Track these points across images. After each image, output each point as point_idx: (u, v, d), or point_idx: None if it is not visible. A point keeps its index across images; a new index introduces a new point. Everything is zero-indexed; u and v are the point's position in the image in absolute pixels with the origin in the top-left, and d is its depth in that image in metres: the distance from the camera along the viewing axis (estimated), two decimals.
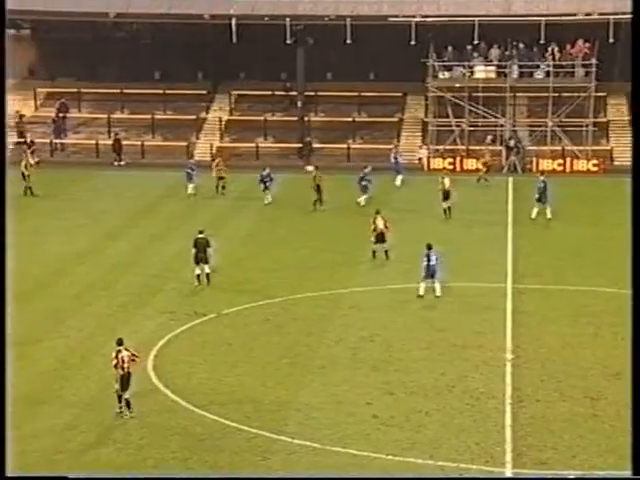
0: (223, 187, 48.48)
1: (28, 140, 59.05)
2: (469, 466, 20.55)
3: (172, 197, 48.25)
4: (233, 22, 57.44)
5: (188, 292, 32.75)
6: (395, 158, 52.88)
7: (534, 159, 55.41)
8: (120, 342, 23.18)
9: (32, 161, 51.24)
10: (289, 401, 23.93)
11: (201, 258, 33.03)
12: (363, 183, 45.90)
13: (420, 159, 56.76)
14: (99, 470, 20.37)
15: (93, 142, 60.10)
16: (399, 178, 50.90)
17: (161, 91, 61.84)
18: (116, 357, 22.88)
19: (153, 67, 63.06)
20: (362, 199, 45.23)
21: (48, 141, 60.56)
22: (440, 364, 26.37)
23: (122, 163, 58.06)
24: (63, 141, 61.19)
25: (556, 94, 55.96)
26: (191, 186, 48.26)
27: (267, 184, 46.28)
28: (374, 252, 36.30)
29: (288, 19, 56.99)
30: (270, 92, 61.12)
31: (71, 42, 62.79)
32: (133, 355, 23.05)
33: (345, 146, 58.83)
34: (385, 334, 28.80)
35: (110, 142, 59.28)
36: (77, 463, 20.74)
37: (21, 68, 65.00)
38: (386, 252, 36.07)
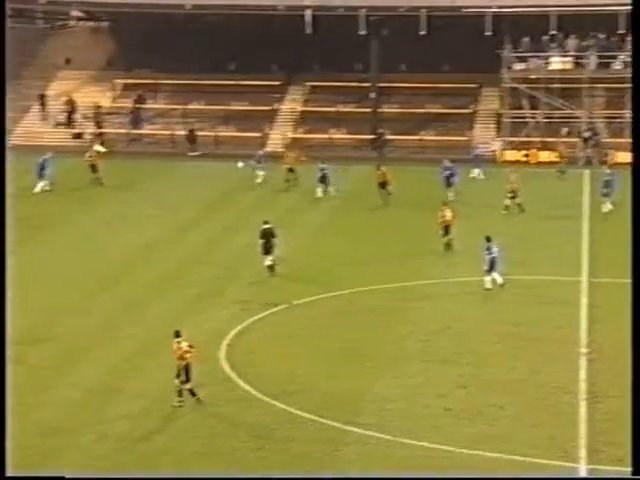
0: (295, 179, 48.57)
1: (97, 131, 59.78)
2: (542, 461, 20.36)
3: (244, 188, 48.51)
4: (307, 13, 57.54)
5: (260, 283, 32.94)
6: (474, 150, 52.63)
7: (611, 151, 54.58)
8: (178, 334, 23.30)
9: (96, 151, 51.48)
10: (361, 392, 23.94)
11: (269, 248, 33.22)
12: (447, 175, 45.30)
13: (494, 151, 56.31)
14: (170, 459, 20.59)
15: (168, 133, 60.75)
16: (476, 171, 50.47)
17: (236, 82, 62.23)
18: (178, 349, 23.01)
19: (228, 58, 63.46)
20: (451, 194, 44.41)
21: (125, 132, 61.35)
22: (513, 357, 26.16)
23: (196, 154, 58.58)
24: (139, 132, 61.93)
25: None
26: (261, 173, 48.55)
27: (324, 178, 46.08)
28: (447, 244, 36.23)
29: (363, 10, 56.89)
30: (344, 83, 61.09)
31: (148, 34, 63.48)
32: (189, 347, 23.13)
33: (418, 138, 58.58)
34: (457, 327, 28.65)
35: (185, 133, 59.85)
36: (147, 450, 20.99)
37: (99, 60, 66.01)
38: (450, 243, 36.03)
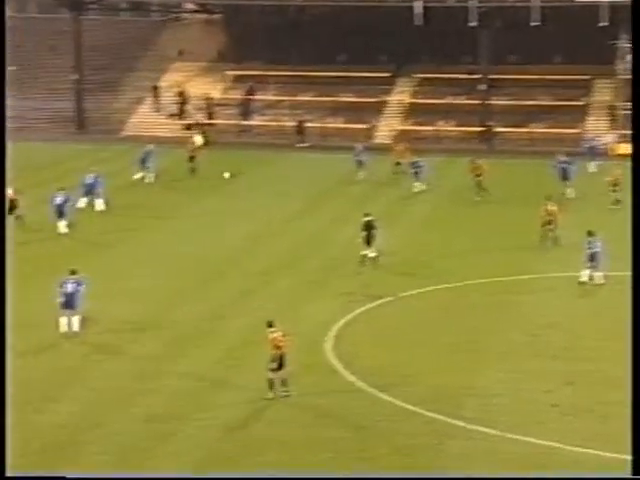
0: (402, 172, 48.39)
1: (199, 122, 60.41)
2: None
3: (350, 180, 48.49)
4: (417, 5, 57.26)
5: (364, 275, 32.98)
6: (585, 143, 51.73)
7: None
8: (270, 324, 23.41)
9: (198, 142, 52.02)
10: (466, 386, 23.79)
11: (370, 240, 33.36)
12: (562, 168, 44.57)
13: (606, 144, 55.23)
14: (274, 448, 20.79)
15: (277, 124, 61.25)
16: (592, 164, 49.56)
17: (345, 74, 62.36)
18: (272, 339, 23.15)
19: (337, 50, 63.63)
20: (570, 189, 43.75)
21: (234, 123, 62.07)
22: (624, 354, 25.62)
23: (305, 145, 58.92)
24: (249, 123, 62.59)
25: None
26: (361, 174, 48.31)
27: (417, 172, 45.79)
28: (553, 239, 35.79)
29: (473, 1, 56.37)
30: (453, 75, 60.67)
31: (259, 26, 64.10)
32: (283, 336, 23.20)
33: (527, 130, 57.82)
34: (565, 322, 28.25)
35: (294, 124, 60.25)
36: (252, 439, 21.18)
37: (211, 52, 66.91)
38: (555, 238, 35.59)
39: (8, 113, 63.42)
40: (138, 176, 47.44)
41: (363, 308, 29.69)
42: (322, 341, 26.74)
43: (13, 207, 37.23)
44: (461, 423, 21.62)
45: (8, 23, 66.10)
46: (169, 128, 61.00)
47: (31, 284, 30.10)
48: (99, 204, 41.83)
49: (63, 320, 26.80)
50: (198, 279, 32.66)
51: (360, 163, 48.87)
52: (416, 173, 45.92)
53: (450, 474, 19.52)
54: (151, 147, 48.62)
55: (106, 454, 20.39)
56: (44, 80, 66.60)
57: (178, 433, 21.38)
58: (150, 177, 47.53)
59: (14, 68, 64.17)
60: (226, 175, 47.08)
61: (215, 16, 70.00)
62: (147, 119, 63.39)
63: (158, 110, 64.19)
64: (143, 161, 47.80)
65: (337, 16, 62.86)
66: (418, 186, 45.61)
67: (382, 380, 24.07)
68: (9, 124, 64.27)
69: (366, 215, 34.16)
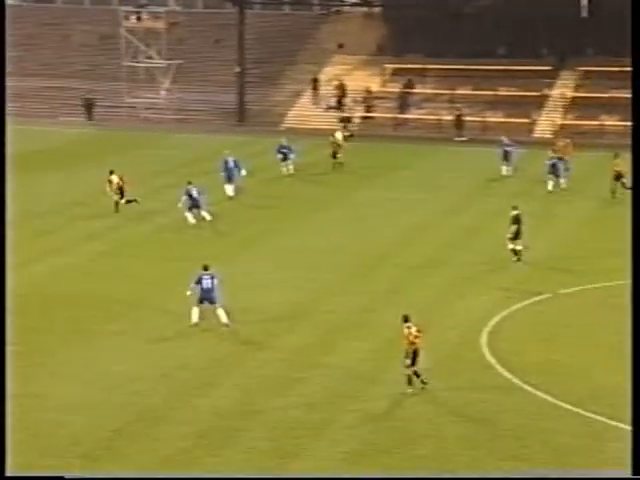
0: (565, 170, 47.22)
1: (343, 117, 60.33)
2: None
3: (508, 175, 47.66)
4: None
5: (522, 270, 32.51)
6: None
7: None
8: (407, 319, 23.26)
9: (340, 136, 51.74)
10: (626, 387, 23.13)
11: (518, 234, 33.04)
12: None
13: None
14: (431, 442, 20.73)
15: (435, 117, 60.94)
16: None
17: (505, 67, 61.51)
18: (408, 334, 22.99)
19: (498, 43, 62.85)
20: None
21: (392, 116, 62.10)
22: None
23: (463, 139, 58.45)
24: (406, 116, 62.50)
25: None
26: (504, 168, 47.36)
27: (555, 170, 44.22)
28: None
29: None
30: (618, 68, 59.03)
31: (419, 19, 63.88)
32: (418, 331, 23.04)
33: None
34: None
35: (452, 118, 59.85)
36: (411, 433, 21.20)
37: (370, 45, 67.09)
38: None
39: (174, 105, 65.59)
40: (287, 170, 47.30)
41: (519, 304, 29.27)
42: (477, 337, 26.51)
43: (122, 194, 39.28)
44: (622, 425, 21.05)
45: (177, 19, 68.23)
46: (326, 121, 61.48)
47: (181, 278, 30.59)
48: (229, 190, 42.06)
49: (196, 311, 27.08)
50: (351, 272, 32.80)
51: (506, 157, 47.83)
52: (552, 167, 44.48)
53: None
54: (284, 141, 48.26)
55: (263, 440, 20.76)
56: (207, 73, 68.16)
57: (333, 423, 21.57)
58: (289, 169, 47.15)
59: (179, 62, 66.06)
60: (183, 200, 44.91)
61: (375, 9, 70.18)
62: (306, 112, 64.08)
63: (317, 103, 64.80)
64: (284, 155, 47.51)
65: (500, 8, 62.00)
66: (550, 185, 44.16)
67: (539, 378, 23.70)
68: (175, 116, 66.47)
69: (514, 208, 33.76)
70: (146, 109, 65.82)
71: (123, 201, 39.35)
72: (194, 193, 37.98)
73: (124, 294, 30.12)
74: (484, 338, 26.51)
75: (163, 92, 66.62)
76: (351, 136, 54.23)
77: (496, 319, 28.03)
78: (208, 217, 38.27)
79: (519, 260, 33.12)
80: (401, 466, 19.60)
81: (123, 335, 26.80)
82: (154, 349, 25.82)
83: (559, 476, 19.27)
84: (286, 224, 39.23)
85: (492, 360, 25.04)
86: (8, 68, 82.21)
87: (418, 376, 22.97)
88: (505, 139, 48.62)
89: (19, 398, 22.34)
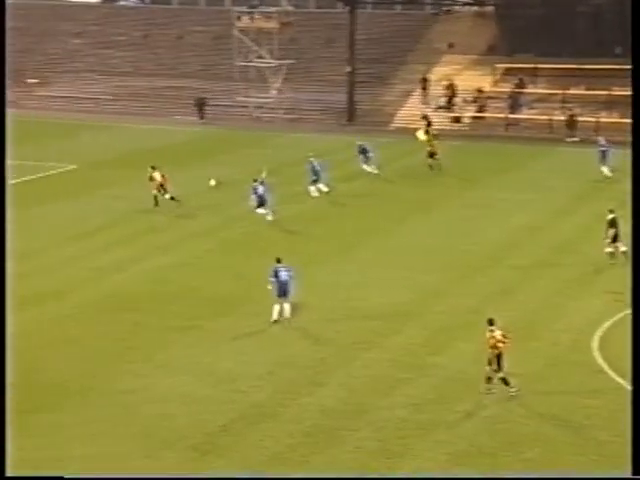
0: None
1: (423, 116, 59.54)
2: None
3: (615, 176, 46.43)
4: None
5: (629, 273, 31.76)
6: None
7: None
8: (491, 322, 22.91)
9: (421, 135, 50.88)
10: None
11: (614, 237, 32.81)
12: None
13: None
14: (539, 446, 20.42)
15: (546, 118, 60.03)
16: None
17: (620, 66, 60.18)
18: (491, 337, 22.60)
19: (614, 42, 61.49)
20: None
21: (503, 116, 61.42)
22: None
23: (575, 139, 57.43)
24: (517, 116, 61.73)
25: None
26: (605, 169, 46.32)
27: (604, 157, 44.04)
28: None
29: None
30: None
31: (532, 18, 62.98)
32: (504, 336, 22.63)
33: None
34: None
35: (564, 118, 58.87)
36: (518, 436, 20.97)
37: (481, 44, 66.50)
38: None
39: (284, 105, 66.07)
40: (371, 170, 46.80)
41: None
42: (589, 340, 26.03)
43: (164, 190, 40.06)
44: None
45: (289, 19, 68.66)
46: (436, 121, 61.08)
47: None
48: (313, 191, 42.33)
49: (277, 307, 27.33)
50: (458, 272, 32.51)
51: (604, 158, 46.78)
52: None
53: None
54: (362, 141, 47.61)
55: (369, 440, 20.75)
56: (318, 73, 68.48)
57: (439, 424, 21.44)
58: (372, 169, 46.61)
59: (291, 62, 66.52)
60: (212, 183, 44.17)
61: (487, 9, 69.50)
62: (415, 111, 63.80)
63: (427, 103, 64.48)
64: (364, 153, 46.97)
65: (617, 6, 60.66)
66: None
67: None
68: (285, 115, 66.87)
69: (610, 212, 33.40)
70: (257, 108, 66.47)
71: (167, 197, 40.03)
72: (260, 190, 38.30)
73: (230, 291, 30.45)
74: (595, 342, 26.02)
75: (274, 92, 67.17)
76: (435, 136, 52.70)
77: (608, 323, 27.48)
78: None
79: (613, 260, 32.48)
80: (508, 468, 19.36)
81: (229, 332, 27.08)
82: (259, 346, 26.04)
83: (559, 476, 18.81)
84: (395, 225, 39.08)
85: (603, 364, 24.58)
86: (125, 68, 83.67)
87: (507, 384, 22.63)
88: (602, 140, 47.84)
89: (126, 394, 22.80)
